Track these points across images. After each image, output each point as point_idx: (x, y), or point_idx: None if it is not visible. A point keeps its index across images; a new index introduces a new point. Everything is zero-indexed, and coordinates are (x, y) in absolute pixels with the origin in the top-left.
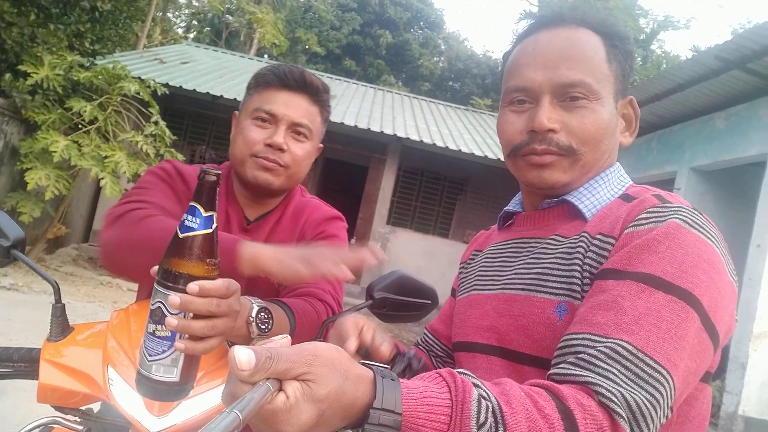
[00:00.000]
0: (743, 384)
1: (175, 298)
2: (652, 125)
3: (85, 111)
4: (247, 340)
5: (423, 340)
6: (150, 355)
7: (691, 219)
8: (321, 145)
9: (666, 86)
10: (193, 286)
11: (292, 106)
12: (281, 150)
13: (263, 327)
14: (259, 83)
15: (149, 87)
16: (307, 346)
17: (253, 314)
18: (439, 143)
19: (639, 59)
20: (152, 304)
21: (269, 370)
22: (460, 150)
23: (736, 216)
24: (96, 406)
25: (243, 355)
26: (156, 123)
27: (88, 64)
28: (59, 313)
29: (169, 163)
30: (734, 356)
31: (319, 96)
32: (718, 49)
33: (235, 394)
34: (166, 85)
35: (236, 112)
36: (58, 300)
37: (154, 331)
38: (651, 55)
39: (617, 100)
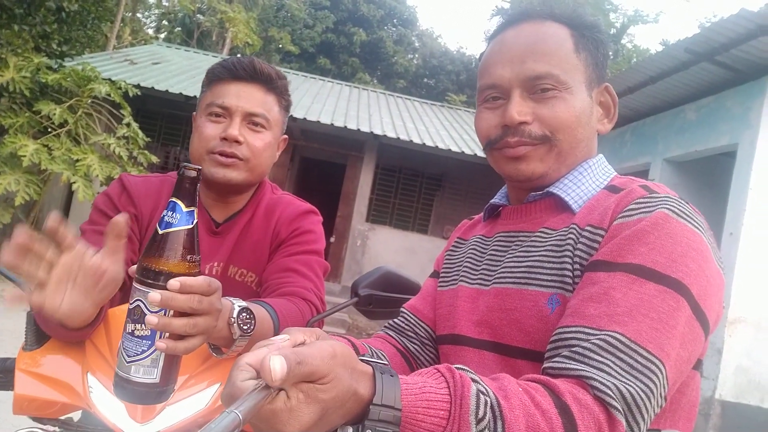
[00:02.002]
0: (719, 369)
1: (155, 294)
2: (625, 118)
3: (54, 114)
4: (229, 342)
5: (402, 321)
6: (129, 356)
7: (678, 209)
8: (285, 137)
9: (638, 79)
10: (174, 282)
11: (244, 96)
12: (237, 142)
13: (245, 327)
14: (211, 79)
15: (120, 88)
16: (325, 345)
17: (235, 315)
18: (416, 140)
19: (610, 53)
20: (131, 303)
21: (298, 375)
22: (436, 146)
23: (708, 205)
24: (76, 415)
25: (277, 364)
26: (128, 125)
27: (56, 66)
28: (34, 320)
29: (118, 181)
30: (710, 342)
31: (272, 83)
32: (687, 42)
33: (235, 395)
34: (138, 87)
35: (194, 113)
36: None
37: (133, 330)
38: (622, 49)
39: (591, 89)
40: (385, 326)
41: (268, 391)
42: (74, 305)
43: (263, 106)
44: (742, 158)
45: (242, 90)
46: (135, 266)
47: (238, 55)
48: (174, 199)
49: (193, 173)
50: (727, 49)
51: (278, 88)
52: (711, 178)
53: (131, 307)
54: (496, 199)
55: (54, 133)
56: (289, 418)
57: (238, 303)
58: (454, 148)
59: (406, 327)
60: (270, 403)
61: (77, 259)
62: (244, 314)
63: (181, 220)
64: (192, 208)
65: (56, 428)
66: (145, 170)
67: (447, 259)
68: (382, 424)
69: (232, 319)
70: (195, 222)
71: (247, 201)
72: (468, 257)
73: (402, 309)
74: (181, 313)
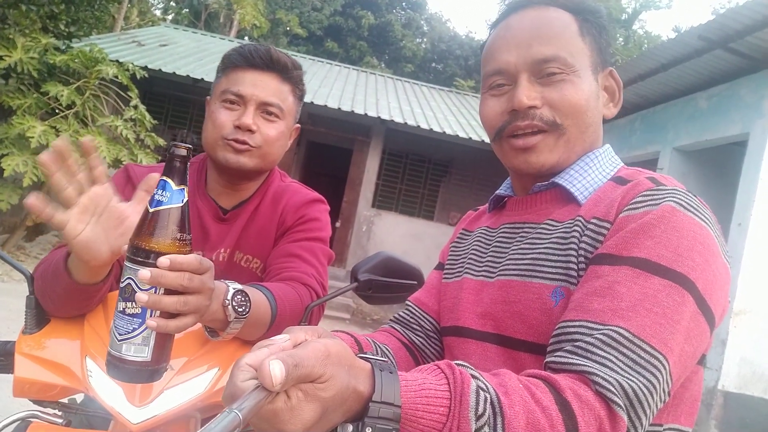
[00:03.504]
0: (723, 360)
1: (145, 272)
2: (635, 105)
3: (62, 95)
4: (224, 324)
5: (407, 314)
6: (120, 334)
7: (685, 202)
8: (298, 125)
9: (649, 66)
10: (163, 260)
11: (260, 85)
12: (251, 131)
13: (240, 310)
14: (227, 65)
15: (128, 70)
16: (318, 345)
17: (229, 297)
18: (423, 125)
19: (621, 39)
20: (122, 282)
21: (296, 377)
22: (444, 132)
23: (717, 195)
24: (79, 397)
25: (277, 369)
26: (135, 107)
27: (63, 47)
28: (34, 304)
29: (123, 171)
30: (715, 333)
31: (288, 73)
32: (701, 28)
33: (236, 395)
34: (145, 69)
35: (208, 97)
36: (33, 291)
37: (124, 308)
38: (633, 35)
39: (597, 73)
40: (390, 319)
41: (269, 390)
42: (93, 240)
43: (278, 95)
44: (753, 148)
45: (258, 78)
46: (125, 246)
47: (246, 39)
48: (164, 178)
49: (183, 151)
50: (742, 37)
51: (293, 78)
52: (720, 167)
53: (122, 285)
54: (501, 190)
55: (62, 114)
56: (291, 417)
57: (233, 285)
58: (462, 134)
59: (410, 320)
60: (271, 402)
61: (105, 197)
62: (239, 296)
63: (171, 198)
64: (182, 187)
65: (56, 411)
66: (152, 152)
67: (452, 251)
68: (382, 421)
69: (227, 301)
70: (185, 200)
71: (256, 189)
72: (473, 249)
73: (407, 302)
74: (172, 291)
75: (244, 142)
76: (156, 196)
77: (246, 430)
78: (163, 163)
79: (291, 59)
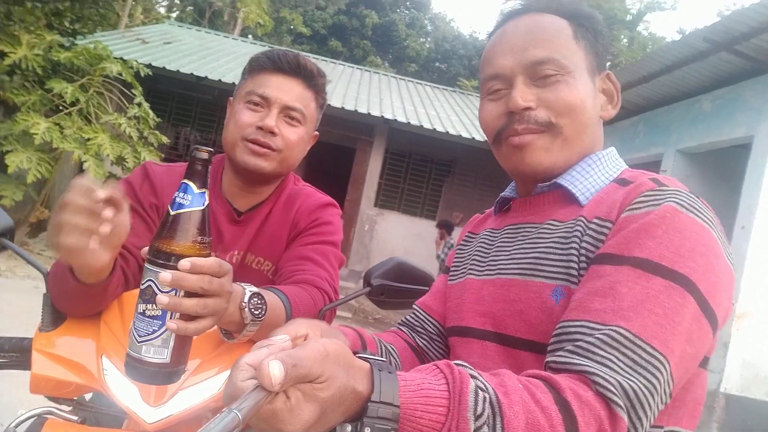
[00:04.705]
0: (725, 363)
1: (166, 274)
2: (639, 107)
3: (66, 92)
4: (240, 327)
5: (412, 318)
6: (140, 336)
7: (687, 202)
8: (316, 133)
9: (654, 68)
10: (184, 263)
11: (285, 89)
12: (272, 133)
13: (256, 312)
14: (253, 67)
15: (132, 68)
16: (317, 345)
17: (246, 299)
18: (427, 125)
19: (625, 40)
20: (142, 284)
21: (294, 377)
22: (447, 132)
23: (721, 198)
24: (90, 396)
25: (276, 369)
26: (139, 105)
27: (68, 44)
28: (50, 302)
29: (141, 169)
30: (717, 335)
31: (313, 80)
32: (706, 30)
33: (235, 395)
34: (149, 66)
35: (231, 98)
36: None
37: (144, 310)
38: (637, 36)
39: (593, 76)
40: (399, 322)
41: (268, 390)
42: (93, 254)
43: (302, 101)
44: (757, 151)
45: (284, 83)
46: (146, 248)
47: (250, 37)
48: (186, 181)
49: (205, 155)
50: (747, 39)
51: (318, 86)
52: (724, 170)
53: (143, 287)
54: (507, 192)
55: (66, 111)
56: (290, 417)
57: (250, 288)
58: (465, 134)
59: (416, 323)
60: (270, 403)
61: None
62: (255, 299)
63: (192, 201)
64: (203, 190)
65: (71, 408)
66: (155, 150)
67: (458, 253)
68: (381, 420)
69: (243, 304)
70: (206, 204)
71: (271, 192)
72: (477, 250)
73: (413, 306)
74: (191, 294)
75: (265, 145)
76: (177, 199)
77: (246, 430)
78: (181, 163)
79: (317, 67)
